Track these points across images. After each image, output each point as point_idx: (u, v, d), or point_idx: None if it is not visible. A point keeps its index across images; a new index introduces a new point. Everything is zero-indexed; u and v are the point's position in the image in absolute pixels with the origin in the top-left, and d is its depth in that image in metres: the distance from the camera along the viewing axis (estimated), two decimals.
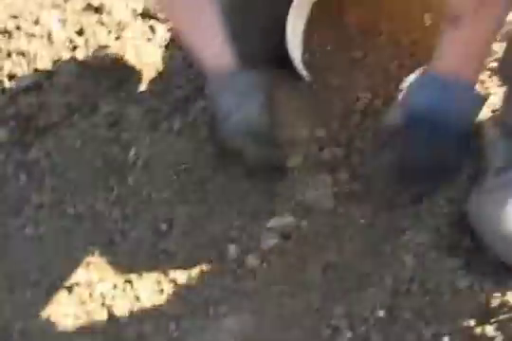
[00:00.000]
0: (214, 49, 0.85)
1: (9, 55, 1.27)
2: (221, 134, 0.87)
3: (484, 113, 0.92)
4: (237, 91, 0.84)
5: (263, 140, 0.87)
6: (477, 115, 0.76)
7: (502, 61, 0.86)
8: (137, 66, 1.29)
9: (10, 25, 1.35)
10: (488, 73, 1.02)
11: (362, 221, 0.91)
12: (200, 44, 0.86)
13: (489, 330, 0.72)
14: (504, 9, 0.70)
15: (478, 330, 0.73)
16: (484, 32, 0.71)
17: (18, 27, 1.32)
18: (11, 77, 1.24)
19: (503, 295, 0.74)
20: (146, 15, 1.50)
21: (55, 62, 1.26)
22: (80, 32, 1.37)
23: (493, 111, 0.95)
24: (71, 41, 1.35)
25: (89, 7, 1.46)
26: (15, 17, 1.39)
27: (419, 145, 0.76)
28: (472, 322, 0.73)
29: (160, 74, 1.30)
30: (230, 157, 0.94)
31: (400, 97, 0.93)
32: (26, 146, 1.11)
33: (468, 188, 0.86)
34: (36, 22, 1.37)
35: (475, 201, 0.83)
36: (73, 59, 1.28)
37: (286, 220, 0.93)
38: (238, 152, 0.89)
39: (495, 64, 1.00)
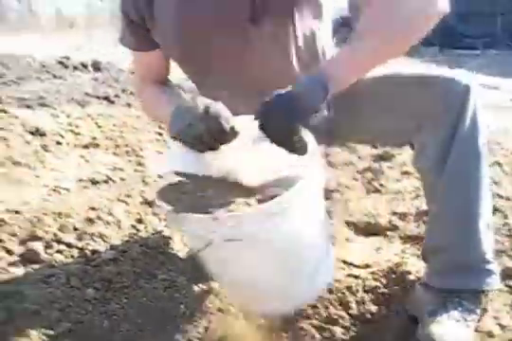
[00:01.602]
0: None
1: (91, 237, 1.83)
2: None
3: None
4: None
5: None
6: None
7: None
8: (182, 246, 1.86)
9: (92, 214, 1.94)
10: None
11: None
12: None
13: None
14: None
15: None
16: (364, 56, 1.14)
17: (99, 217, 1.91)
18: (94, 252, 1.78)
19: None
20: None
21: (125, 242, 1.82)
22: (140, 220, 1.97)
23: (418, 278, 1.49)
24: (134, 227, 1.93)
25: (145, 201, 2.08)
26: (94, 209, 1.99)
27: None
28: None
29: None
30: None
31: None
32: (107, 301, 1.61)
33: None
34: (109, 213, 1.96)
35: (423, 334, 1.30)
36: (137, 240, 1.85)
37: None
38: None
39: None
